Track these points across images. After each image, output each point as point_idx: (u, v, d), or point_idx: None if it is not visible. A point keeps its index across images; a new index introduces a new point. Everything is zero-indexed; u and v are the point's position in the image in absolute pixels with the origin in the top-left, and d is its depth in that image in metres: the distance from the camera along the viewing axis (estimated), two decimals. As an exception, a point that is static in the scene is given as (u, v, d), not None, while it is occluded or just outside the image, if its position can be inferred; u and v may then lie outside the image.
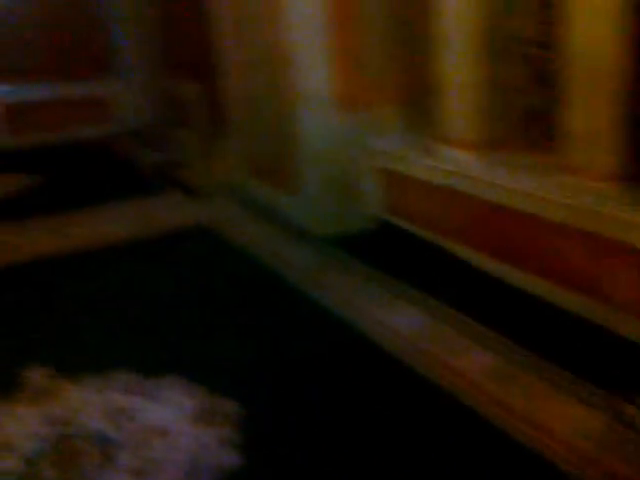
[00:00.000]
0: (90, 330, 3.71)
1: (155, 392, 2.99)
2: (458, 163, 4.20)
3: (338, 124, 4.78)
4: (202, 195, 6.08)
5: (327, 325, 3.66)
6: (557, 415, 2.71)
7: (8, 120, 8.57)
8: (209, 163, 6.45)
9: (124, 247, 5.01)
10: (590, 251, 3.38)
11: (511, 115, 4.10)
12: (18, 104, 8.66)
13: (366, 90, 4.81)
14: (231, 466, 2.53)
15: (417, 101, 4.82)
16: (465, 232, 4.19)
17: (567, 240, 3.49)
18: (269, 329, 3.64)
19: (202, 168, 6.51)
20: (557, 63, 3.61)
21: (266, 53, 5.05)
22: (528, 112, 3.99)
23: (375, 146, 4.90)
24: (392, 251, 4.59)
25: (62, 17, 8.57)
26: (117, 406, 2.90)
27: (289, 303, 3.96)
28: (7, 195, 6.64)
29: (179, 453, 2.60)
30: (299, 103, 4.74)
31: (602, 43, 3.21)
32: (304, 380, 3.14)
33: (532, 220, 3.67)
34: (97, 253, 4.92)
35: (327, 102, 4.72)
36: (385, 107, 4.91)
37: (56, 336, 3.67)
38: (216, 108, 6.39)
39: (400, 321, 3.60)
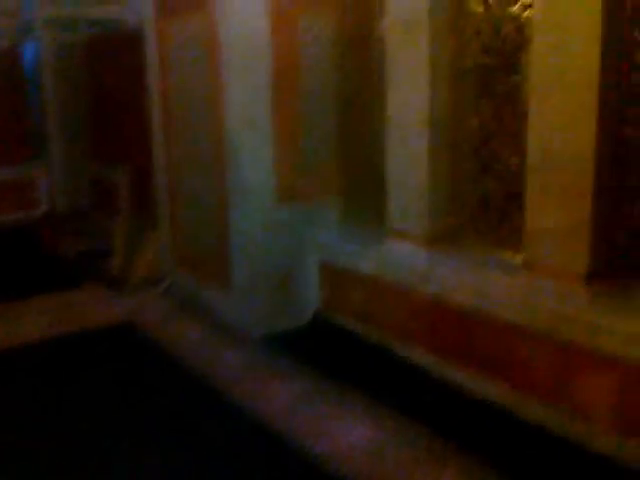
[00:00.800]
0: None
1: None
2: (404, 257, 3.95)
3: (275, 215, 4.49)
4: (128, 288, 5.61)
5: (259, 443, 3.23)
6: None
7: None
8: (137, 253, 6.02)
9: (38, 349, 4.46)
10: (549, 355, 3.13)
11: (463, 208, 3.92)
12: None
13: (306, 180, 4.57)
14: None
15: (361, 192, 4.61)
16: (411, 331, 3.89)
17: (522, 342, 3.23)
18: (192, 447, 3.18)
19: (129, 259, 6.07)
20: (514, 158, 3.49)
21: (201, 142, 4.78)
22: (482, 205, 3.81)
23: (315, 239, 4.62)
24: (331, 351, 4.23)
25: (-17, 100, 8.17)
26: None
27: (218, 415, 3.52)
28: None
29: None
30: (234, 193, 4.45)
31: (564, 139, 3.08)
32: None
33: (482, 319, 3.42)
34: (4, 356, 4.35)
35: (264, 192, 4.44)
36: (326, 198, 4.66)
37: None
38: (146, 195, 6.04)
39: (348, 438, 3.22)
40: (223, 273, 4.70)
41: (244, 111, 4.32)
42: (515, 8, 3.43)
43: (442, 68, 3.77)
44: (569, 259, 3.15)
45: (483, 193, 3.79)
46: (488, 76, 3.65)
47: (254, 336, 4.45)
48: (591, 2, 2.88)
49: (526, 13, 3.37)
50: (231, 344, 4.40)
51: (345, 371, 3.88)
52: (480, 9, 3.63)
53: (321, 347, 4.31)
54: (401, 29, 3.81)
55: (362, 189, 4.57)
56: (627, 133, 3.04)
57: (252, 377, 3.93)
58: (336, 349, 4.24)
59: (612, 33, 2.91)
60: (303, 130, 4.56)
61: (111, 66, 7.35)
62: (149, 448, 3.21)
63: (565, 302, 3.08)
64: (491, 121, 3.65)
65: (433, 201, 3.91)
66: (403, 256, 3.97)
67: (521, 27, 3.42)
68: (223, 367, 4.07)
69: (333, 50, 4.56)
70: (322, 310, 4.65)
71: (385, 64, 3.99)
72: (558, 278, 3.17)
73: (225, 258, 4.65)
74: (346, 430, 3.27)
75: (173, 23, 4.88)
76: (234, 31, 4.23)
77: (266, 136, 4.38)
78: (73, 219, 7.85)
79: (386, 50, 3.97)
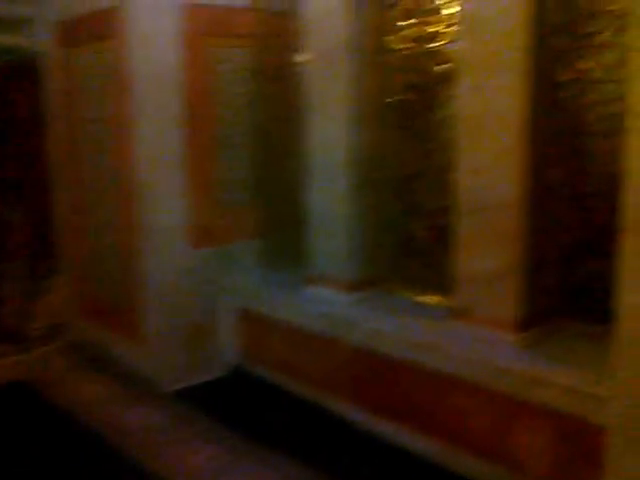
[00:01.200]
0: None
1: None
2: (327, 304, 3.71)
3: (189, 259, 4.18)
4: (25, 341, 5.09)
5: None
6: None
7: None
8: (36, 302, 5.51)
9: None
10: (481, 406, 2.93)
11: (389, 251, 3.73)
12: None
13: (223, 221, 4.29)
14: None
15: (282, 233, 4.36)
16: (335, 382, 3.63)
17: (452, 392, 3.03)
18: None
19: (27, 308, 5.54)
20: (441, 199, 3.33)
21: (109, 180, 4.41)
22: (408, 248, 3.62)
23: (233, 284, 4.32)
24: (249, 406, 3.90)
25: None
26: None
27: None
28: None
29: None
30: (144, 235, 4.10)
31: (491, 180, 2.93)
32: None
33: (409, 369, 3.22)
34: None
35: (177, 234, 4.12)
36: (245, 240, 4.39)
37: None
38: (48, 237, 5.56)
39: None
40: (133, 322, 4.31)
41: (155, 147, 4.01)
42: (436, 44, 3.31)
43: (364, 104, 3.60)
44: (499, 305, 2.99)
45: (409, 236, 3.61)
46: (411, 112, 3.51)
47: (166, 391, 4.07)
48: (516, 40, 2.77)
49: (449, 48, 3.25)
50: (138, 402, 3.99)
51: (264, 429, 3.56)
52: (400, 45, 3.49)
53: (238, 402, 3.98)
54: (321, 63, 3.63)
55: (284, 230, 4.32)
56: (553, 174, 2.94)
57: (159, 438, 3.55)
58: (255, 404, 3.91)
59: (538, 71, 2.81)
60: (219, 167, 4.29)
61: (16, 97, 6.86)
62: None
63: (495, 351, 2.90)
64: (416, 160, 3.50)
65: (357, 244, 3.70)
66: (326, 302, 3.73)
67: (442, 63, 3.30)
68: (127, 429, 3.66)
69: (251, 83, 4.34)
70: (241, 361, 4.33)
71: (305, 99, 3.79)
72: (488, 325, 3.00)
73: (136, 306, 4.26)
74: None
75: (80, 53, 4.53)
76: (144, 63, 3.93)
77: (178, 174, 4.08)
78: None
79: (306, 84, 3.77)
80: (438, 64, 3.29)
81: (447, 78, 3.22)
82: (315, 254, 3.86)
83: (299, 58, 3.97)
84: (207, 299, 4.28)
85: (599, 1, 2.74)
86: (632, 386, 2.35)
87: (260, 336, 4.20)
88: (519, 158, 2.84)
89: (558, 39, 2.83)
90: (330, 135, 3.66)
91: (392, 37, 3.50)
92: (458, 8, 3.03)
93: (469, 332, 3.07)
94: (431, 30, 3.33)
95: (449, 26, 3.22)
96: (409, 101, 3.49)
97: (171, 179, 4.07)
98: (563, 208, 2.99)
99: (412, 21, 3.43)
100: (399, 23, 3.46)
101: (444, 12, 3.27)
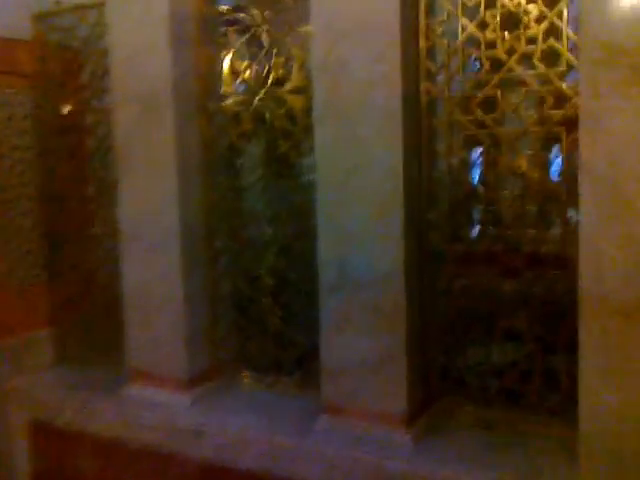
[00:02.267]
0: None
1: None
2: (153, 407, 2.95)
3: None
4: None
5: None
6: None
7: None
8: None
9: None
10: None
11: (232, 335, 3.09)
12: None
13: (6, 308, 3.33)
14: None
15: (87, 322, 3.48)
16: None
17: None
18: None
19: None
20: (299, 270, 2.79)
21: None
22: (259, 330, 3.01)
23: (21, 389, 3.34)
24: None
25: None
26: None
27: None
28: None
29: None
30: None
31: (369, 245, 2.46)
32: None
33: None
34: None
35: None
36: (37, 331, 3.45)
37: None
38: None
39: None
40: None
41: None
42: (283, 89, 2.83)
43: (193, 158, 2.98)
44: (384, 396, 2.50)
45: (258, 314, 3.02)
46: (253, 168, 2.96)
47: None
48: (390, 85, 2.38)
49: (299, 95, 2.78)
50: None
51: None
52: (230, 89, 2.94)
53: None
54: (137, 110, 2.93)
55: (91, 315, 3.45)
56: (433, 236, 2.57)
57: None
58: None
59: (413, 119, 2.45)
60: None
61: None
62: None
63: (386, 452, 2.39)
64: (266, 224, 2.94)
65: (190, 328, 3.00)
66: (153, 406, 2.95)
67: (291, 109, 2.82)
68: None
69: (37, 134, 3.48)
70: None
71: (115, 154, 3.06)
72: (369, 420, 2.49)
73: None
74: None
75: None
76: None
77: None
78: None
79: (116, 136, 3.04)
80: (288, 111, 2.79)
81: (302, 127, 2.74)
82: (135, 345, 3.08)
83: (104, 104, 3.23)
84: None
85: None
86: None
87: (63, 456, 3.24)
88: (399, 219, 2.42)
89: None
90: (151, 197, 2.96)
91: (227, 80, 2.93)
92: (313, 47, 2.54)
93: (348, 429, 2.53)
94: (274, 73, 2.83)
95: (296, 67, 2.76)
96: (250, 155, 2.94)
97: None
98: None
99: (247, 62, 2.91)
100: (235, 64, 2.92)
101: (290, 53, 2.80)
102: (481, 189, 2.44)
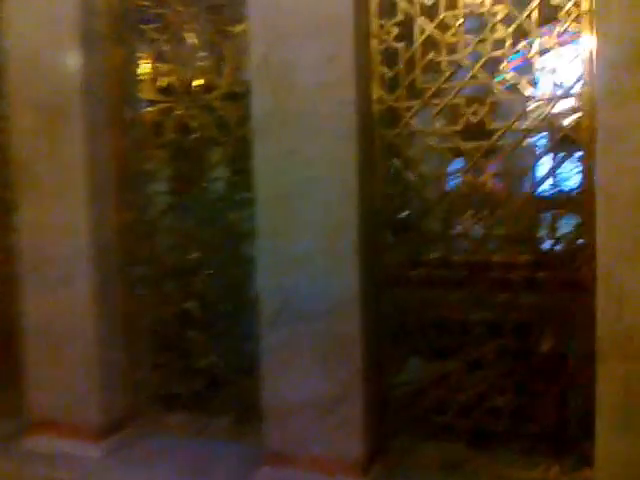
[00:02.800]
0: None
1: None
2: (60, 461, 2.53)
3: None
4: None
5: None
6: None
7: None
8: None
9: None
10: None
11: (155, 374, 2.71)
12: None
13: None
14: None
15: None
16: None
17: None
18: None
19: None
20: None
21: None
22: (184, 367, 2.65)
23: None
24: None
25: None
26: None
27: None
28: None
29: None
30: None
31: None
32: None
33: None
34: None
35: None
36: None
37: None
38: None
39: None
40: None
41: None
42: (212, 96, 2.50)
43: (106, 172, 2.60)
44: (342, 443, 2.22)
45: (184, 350, 2.66)
46: (178, 185, 2.62)
47: None
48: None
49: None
50: None
51: None
52: (157, 96, 2.60)
53: None
54: (39, 118, 2.51)
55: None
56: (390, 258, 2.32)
57: None
58: None
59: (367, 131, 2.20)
60: None
61: None
62: None
63: None
64: (194, 248, 2.59)
65: (104, 368, 2.62)
66: (60, 460, 2.54)
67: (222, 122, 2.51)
68: None
69: None
70: None
71: (13, 170, 2.62)
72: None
73: None
74: None
75: None
76: None
77: None
78: None
79: (14, 148, 2.60)
80: (218, 121, 2.47)
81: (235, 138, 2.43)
82: (37, 388, 2.66)
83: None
84: None
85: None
86: None
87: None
88: (352, 242, 2.16)
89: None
90: (57, 219, 2.56)
91: (146, 85, 2.57)
92: (252, 48, 2.24)
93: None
94: (202, 77, 2.50)
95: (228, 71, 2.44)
96: (175, 170, 2.59)
97: None
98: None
99: (170, 66, 2.57)
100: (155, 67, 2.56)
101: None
102: (443, 207, 2.21)
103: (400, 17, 2.15)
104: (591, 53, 1.93)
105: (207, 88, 2.48)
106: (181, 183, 2.61)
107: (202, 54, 2.48)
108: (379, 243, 2.27)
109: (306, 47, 2.12)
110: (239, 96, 2.39)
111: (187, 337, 2.64)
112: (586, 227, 1.96)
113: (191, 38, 2.47)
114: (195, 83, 2.49)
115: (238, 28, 2.34)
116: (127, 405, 2.70)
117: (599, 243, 1.75)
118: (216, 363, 2.60)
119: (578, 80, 1.99)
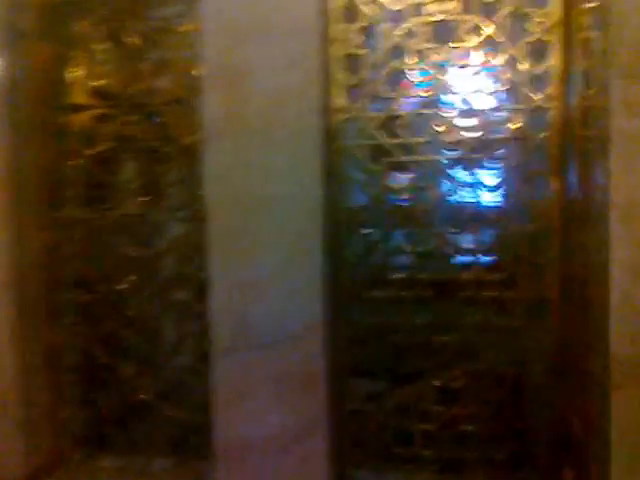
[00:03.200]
0: None
1: None
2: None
3: None
4: None
5: None
6: None
7: None
8: None
9: None
10: None
11: (86, 413, 2.39)
12: None
13: None
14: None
15: None
16: None
17: None
18: None
19: None
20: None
21: None
22: (123, 406, 2.35)
23: None
24: None
25: None
26: None
27: None
28: None
29: None
30: None
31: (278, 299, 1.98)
32: None
33: None
34: None
35: None
36: None
37: None
38: None
39: None
40: None
41: None
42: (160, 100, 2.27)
43: (26, 186, 2.30)
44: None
45: (120, 386, 2.37)
46: (113, 199, 2.35)
47: None
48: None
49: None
50: None
51: None
52: (89, 101, 2.33)
53: None
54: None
55: None
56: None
57: None
58: None
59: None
60: None
61: None
62: None
63: None
64: (130, 270, 2.32)
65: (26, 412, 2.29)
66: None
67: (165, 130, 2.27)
68: None
69: None
70: None
71: None
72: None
73: None
74: None
75: None
76: None
77: None
78: None
79: None
80: (161, 128, 2.23)
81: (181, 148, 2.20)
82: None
83: None
84: None
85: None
86: None
87: None
88: (316, 262, 1.98)
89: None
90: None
91: (78, 89, 2.29)
92: (205, 50, 2.02)
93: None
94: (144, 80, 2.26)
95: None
96: (109, 182, 2.33)
97: None
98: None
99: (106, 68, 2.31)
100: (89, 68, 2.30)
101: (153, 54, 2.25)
102: (409, 222, 2.08)
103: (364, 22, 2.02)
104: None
105: (148, 92, 2.24)
106: (117, 197, 2.34)
107: (143, 54, 2.24)
108: (344, 262, 2.11)
109: (266, 49, 1.94)
110: (185, 101, 2.18)
111: (121, 370, 2.36)
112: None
113: (132, 36, 2.23)
114: (134, 87, 2.25)
115: (187, 26, 2.13)
116: (53, 449, 2.38)
117: (613, 261, 1.66)
118: (155, 398, 2.33)
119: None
